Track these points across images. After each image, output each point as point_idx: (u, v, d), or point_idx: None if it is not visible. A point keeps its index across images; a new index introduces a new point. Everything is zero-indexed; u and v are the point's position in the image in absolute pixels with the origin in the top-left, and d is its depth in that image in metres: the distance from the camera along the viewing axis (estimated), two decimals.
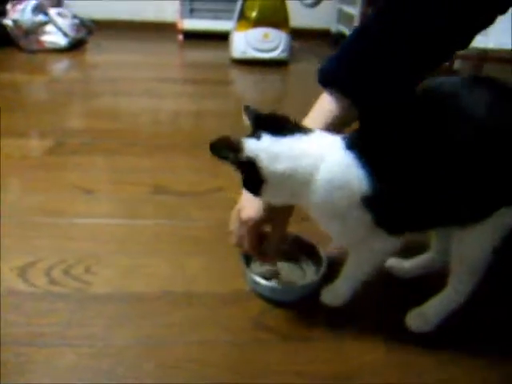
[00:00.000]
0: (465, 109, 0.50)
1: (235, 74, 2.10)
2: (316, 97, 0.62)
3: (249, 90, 1.94)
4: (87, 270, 0.71)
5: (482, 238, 0.56)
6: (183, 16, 2.57)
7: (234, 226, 0.65)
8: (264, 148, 0.52)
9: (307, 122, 0.60)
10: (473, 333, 0.64)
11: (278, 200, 0.58)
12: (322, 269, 0.68)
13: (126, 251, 0.77)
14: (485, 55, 1.75)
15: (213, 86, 1.82)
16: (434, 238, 0.70)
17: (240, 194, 0.64)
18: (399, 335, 0.62)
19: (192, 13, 2.58)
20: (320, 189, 0.53)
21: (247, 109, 0.56)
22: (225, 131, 0.55)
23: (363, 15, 2.23)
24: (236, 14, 2.15)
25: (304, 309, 0.66)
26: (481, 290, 0.58)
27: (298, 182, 0.53)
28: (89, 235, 0.81)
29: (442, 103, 0.52)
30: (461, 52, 0.64)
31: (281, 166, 0.52)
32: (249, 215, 0.62)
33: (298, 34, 2.31)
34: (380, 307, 0.68)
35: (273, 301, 0.67)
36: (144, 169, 1.07)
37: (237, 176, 0.56)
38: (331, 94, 0.59)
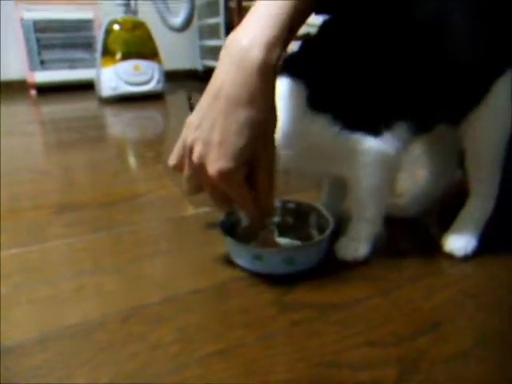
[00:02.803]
0: None
1: (109, 114, 1.82)
2: None
3: (127, 129, 1.57)
4: None
5: (490, 119, 0.49)
6: (33, 69, 2.27)
7: (185, 173, 0.45)
8: None
9: None
10: None
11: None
12: (330, 225, 0.52)
13: (45, 279, 0.50)
14: None
15: (88, 131, 1.47)
16: (430, 156, 0.62)
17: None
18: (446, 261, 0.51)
19: (43, 64, 2.31)
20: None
21: None
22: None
23: None
24: (99, 52, 1.96)
25: (324, 274, 0.49)
26: None
27: None
28: None
29: None
30: None
31: None
32: (220, 167, 0.39)
33: (167, 76, 2.15)
34: (409, 247, 0.56)
35: (283, 276, 0.48)
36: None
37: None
38: None
